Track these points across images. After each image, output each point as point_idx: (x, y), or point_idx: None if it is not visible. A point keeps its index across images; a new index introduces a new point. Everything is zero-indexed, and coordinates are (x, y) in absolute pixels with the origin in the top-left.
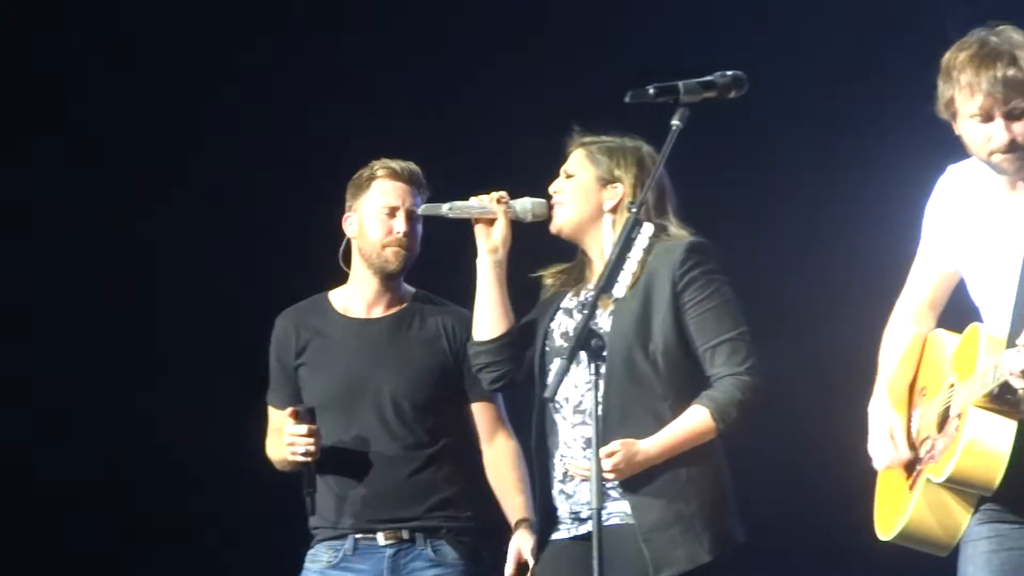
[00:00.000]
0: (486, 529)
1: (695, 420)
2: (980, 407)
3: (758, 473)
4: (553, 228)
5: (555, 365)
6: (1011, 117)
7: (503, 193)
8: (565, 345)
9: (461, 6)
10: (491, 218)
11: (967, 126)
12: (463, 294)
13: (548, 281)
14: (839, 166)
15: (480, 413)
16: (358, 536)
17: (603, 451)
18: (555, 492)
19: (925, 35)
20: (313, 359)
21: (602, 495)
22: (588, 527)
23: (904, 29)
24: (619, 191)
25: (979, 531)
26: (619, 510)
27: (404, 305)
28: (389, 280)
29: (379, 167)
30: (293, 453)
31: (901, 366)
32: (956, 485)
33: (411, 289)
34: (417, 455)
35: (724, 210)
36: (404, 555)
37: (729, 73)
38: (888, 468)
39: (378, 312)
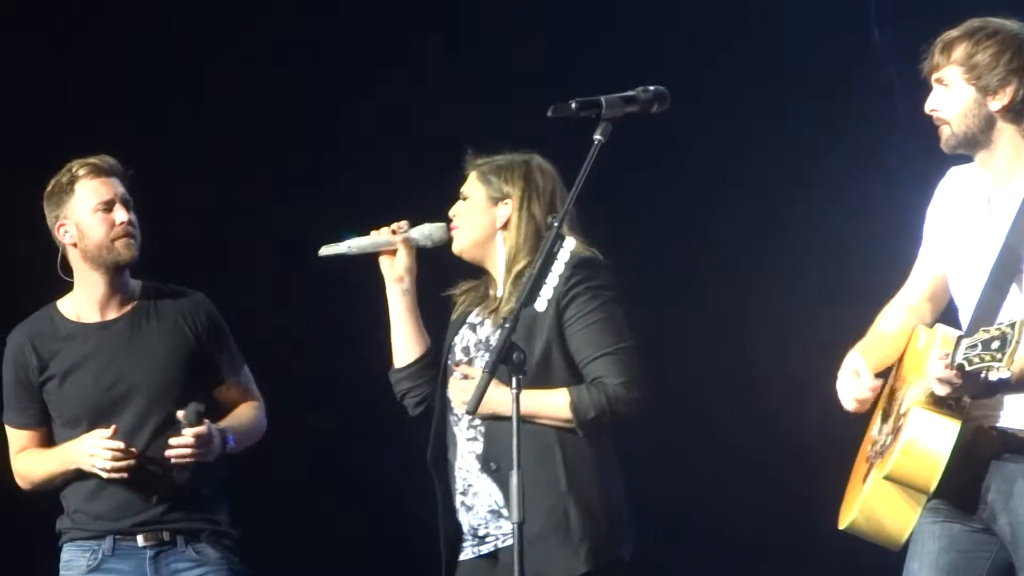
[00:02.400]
0: (245, 535)
1: (554, 396)
2: (924, 408)
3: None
4: (455, 250)
5: (451, 379)
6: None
7: (401, 223)
8: (464, 359)
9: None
10: (392, 249)
11: None
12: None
13: (459, 299)
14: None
15: (231, 391)
16: (117, 537)
17: (461, 370)
18: (457, 505)
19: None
20: (58, 371)
21: (523, 510)
22: (487, 545)
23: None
24: (508, 208)
25: (932, 529)
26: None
27: (136, 301)
28: (119, 275)
29: (78, 167)
30: (97, 466)
31: (878, 347)
32: (896, 483)
33: (138, 282)
34: None
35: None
36: (165, 556)
37: (651, 88)
38: (853, 403)
39: (112, 313)
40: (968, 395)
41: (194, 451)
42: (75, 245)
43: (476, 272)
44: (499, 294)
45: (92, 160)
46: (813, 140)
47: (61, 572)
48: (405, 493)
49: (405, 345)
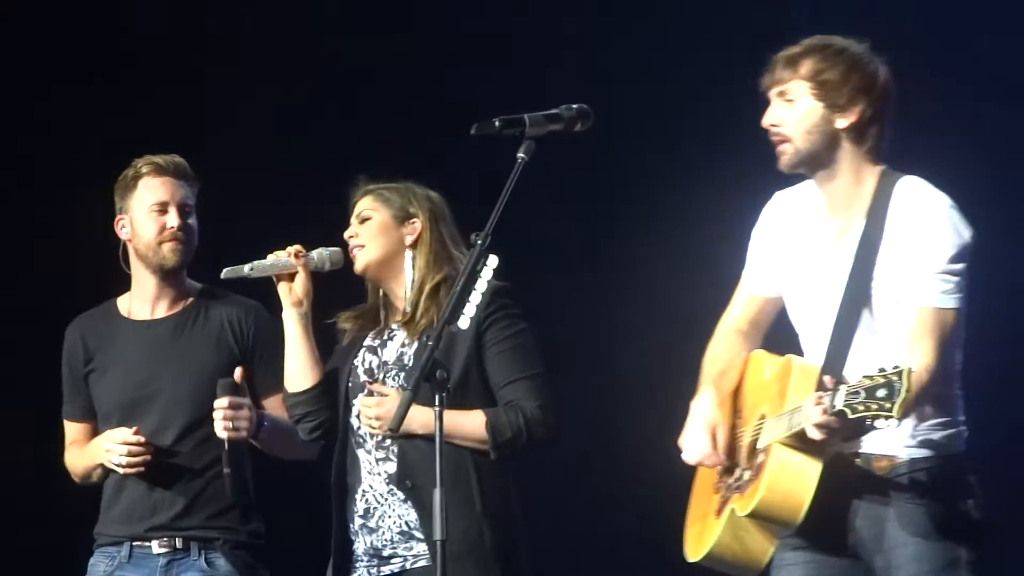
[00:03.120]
0: (270, 544)
1: (470, 418)
2: (785, 445)
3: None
4: (358, 269)
5: (359, 400)
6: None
7: (299, 247)
8: (366, 380)
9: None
10: (292, 272)
11: None
12: None
13: (345, 326)
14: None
15: (274, 406)
16: (135, 543)
17: (373, 388)
18: (355, 528)
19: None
20: (100, 366)
21: (445, 528)
22: (391, 566)
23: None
24: (416, 226)
25: (793, 556)
26: (425, 551)
27: (188, 302)
28: (170, 278)
29: (143, 164)
30: (112, 461)
31: (722, 379)
32: (759, 521)
33: (197, 285)
34: (200, 460)
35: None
36: (177, 565)
37: (575, 106)
38: (699, 463)
39: (161, 312)
40: (842, 438)
41: (225, 412)
42: (130, 241)
43: (347, 301)
44: (407, 309)
45: (157, 159)
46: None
47: (87, 574)
48: None
49: (302, 370)
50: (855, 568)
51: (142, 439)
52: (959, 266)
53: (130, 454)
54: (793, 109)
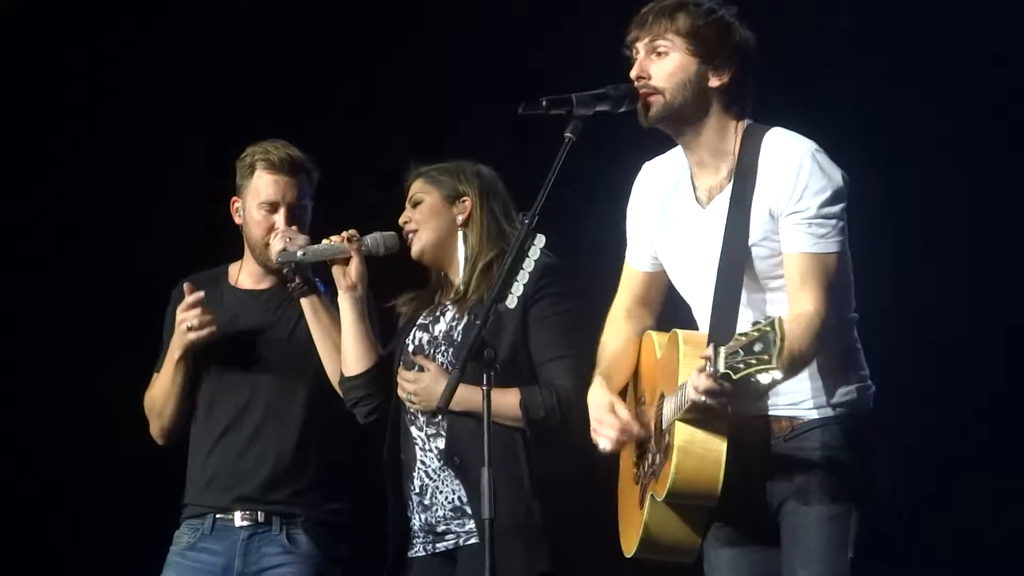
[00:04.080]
0: (354, 521)
1: (506, 396)
2: (687, 421)
3: None
4: (414, 254)
5: (400, 374)
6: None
7: (353, 231)
8: (413, 355)
9: None
10: (346, 257)
11: None
12: None
13: (402, 309)
14: None
15: None
16: (218, 515)
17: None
18: (412, 505)
19: None
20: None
21: (493, 506)
22: (446, 543)
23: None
24: (467, 204)
25: (727, 553)
26: (475, 528)
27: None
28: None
29: (259, 155)
30: (188, 328)
31: (615, 366)
32: (679, 501)
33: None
34: (291, 434)
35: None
36: (259, 539)
37: (623, 86)
38: (616, 442)
39: (266, 283)
40: (741, 400)
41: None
42: (242, 226)
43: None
44: (460, 287)
45: (272, 155)
46: None
47: (173, 543)
48: None
49: (358, 353)
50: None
51: (200, 294)
52: (833, 208)
53: (198, 315)
54: (666, 62)
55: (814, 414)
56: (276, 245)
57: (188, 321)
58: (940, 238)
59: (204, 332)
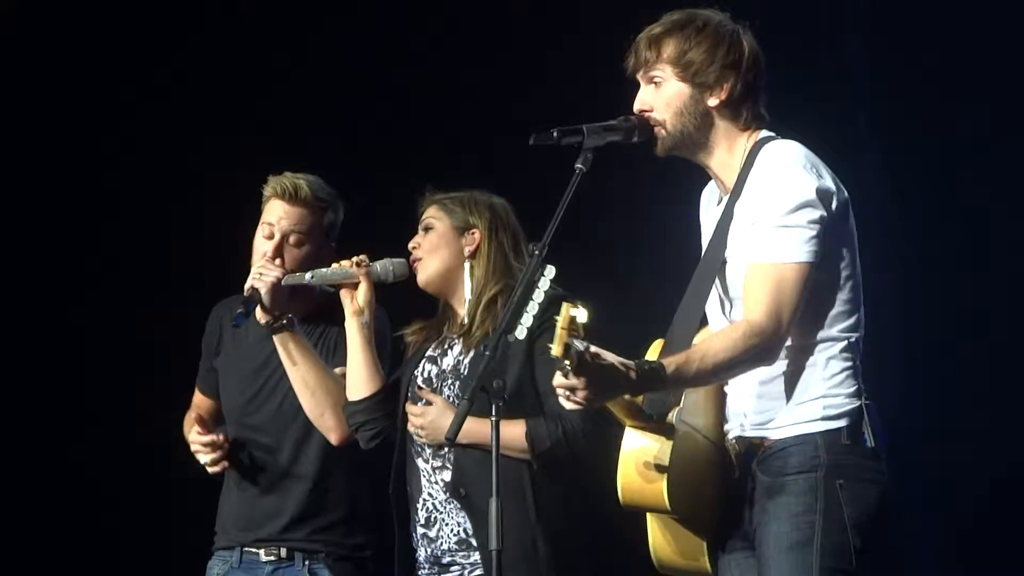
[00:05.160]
0: (378, 555)
1: (512, 427)
2: (634, 428)
3: None
4: (420, 283)
5: (408, 408)
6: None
7: (363, 257)
8: (420, 387)
9: None
10: (354, 282)
11: None
12: None
13: (410, 339)
14: None
15: None
16: (245, 549)
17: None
18: (417, 536)
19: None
20: (225, 357)
21: (500, 537)
22: (451, 574)
23: None
24: (476, 236)
25: (736, 558)
26: (480, 561)
27: (318, 305)
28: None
29: (273, 183)
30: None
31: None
32: (634, 509)
33: (330, 290)
34: (310, 470)
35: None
36: (282, 572)
37: (633, 117)
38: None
39: (291, 312)
40: (619, 390)
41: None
42: None
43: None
44: (464, 320)
45: (277, 183)
46: None
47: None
48: None
49: (363, 378)
50: None
51: (216, 438)
52: (796, 218)
53: (209, 453)
54: (661, 92)
55: (781, 434)
56: (248, 282)
57: (202, 458)
58: (941, 244)
59: (216, 469)
